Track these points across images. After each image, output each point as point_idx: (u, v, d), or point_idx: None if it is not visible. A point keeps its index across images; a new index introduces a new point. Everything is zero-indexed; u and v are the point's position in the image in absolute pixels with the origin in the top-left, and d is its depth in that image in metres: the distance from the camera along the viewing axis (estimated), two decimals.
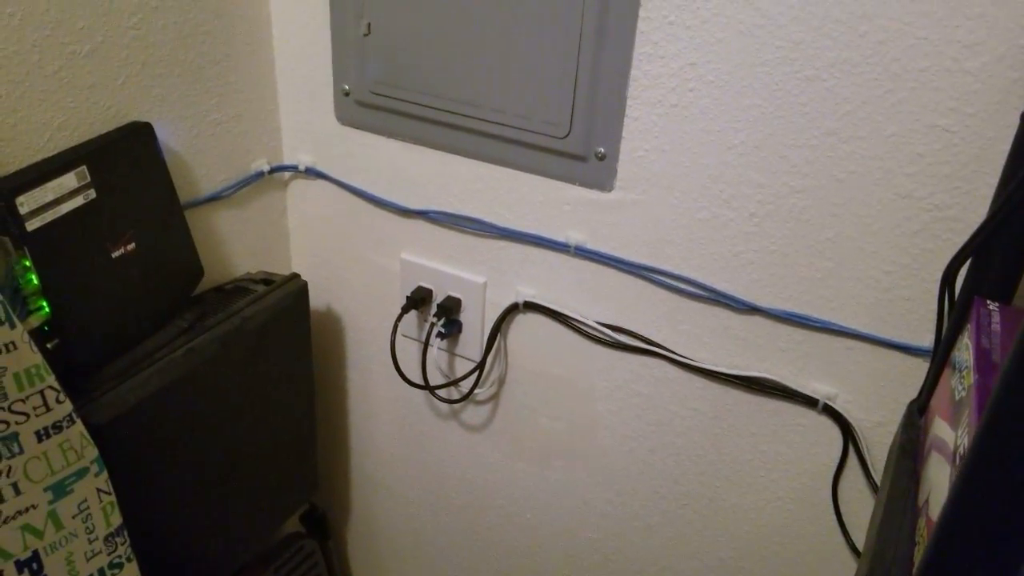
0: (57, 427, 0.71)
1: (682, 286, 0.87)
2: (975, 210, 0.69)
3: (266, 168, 1.05)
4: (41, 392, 0.70)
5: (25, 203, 0.74)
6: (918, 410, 0.67)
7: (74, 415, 0.73)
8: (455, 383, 1.09)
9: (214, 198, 0.99)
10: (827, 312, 0.80)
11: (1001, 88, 0.65)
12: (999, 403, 0.32)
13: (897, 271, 0.75)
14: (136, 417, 0.82)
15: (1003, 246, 0.57)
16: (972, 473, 0.33)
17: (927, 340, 0.76)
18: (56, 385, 0.71)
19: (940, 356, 0.64)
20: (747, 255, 0.82)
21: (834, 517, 0.89)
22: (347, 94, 0.98)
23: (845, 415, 0.83)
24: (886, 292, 0.77)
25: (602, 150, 0.85)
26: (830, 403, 0.84)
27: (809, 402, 0.85)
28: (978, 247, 0.58)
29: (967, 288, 0.61)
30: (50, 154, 0.79)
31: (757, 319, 0.85)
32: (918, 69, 0.67)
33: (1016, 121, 0.61)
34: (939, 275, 0.65)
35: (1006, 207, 0.54)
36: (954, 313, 0.63)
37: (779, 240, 0.80)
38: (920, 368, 0.78)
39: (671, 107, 0.79)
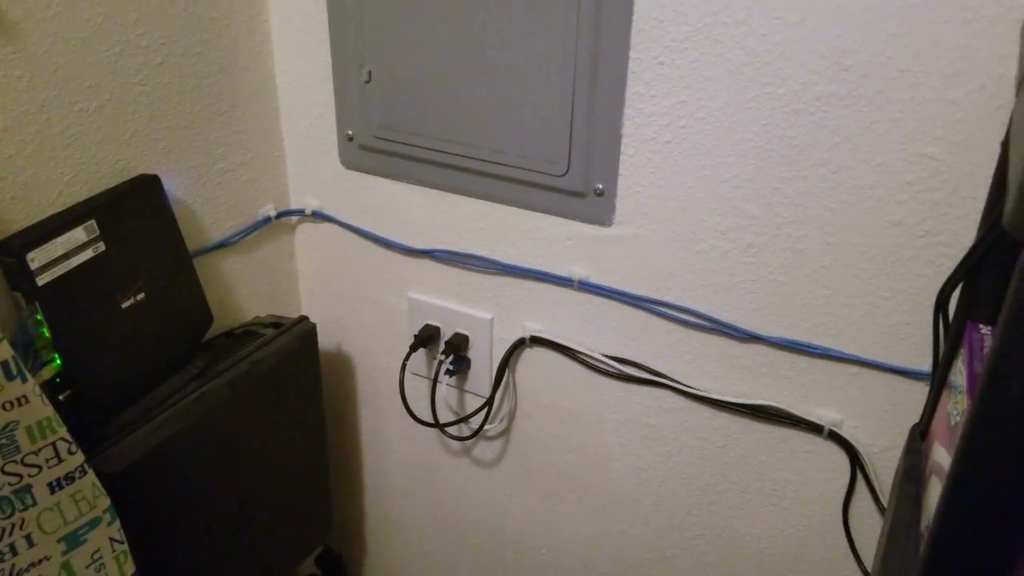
0: (69, 478, 0.73)
1: (685, 317, 0.88)
2: (966, 235, 0.70)
3: (273, 213, 1.07)
4: (53, 444, 0.71)
5: (36, 258, 0.76)
6: (920, 434, 0.67)
7: (86, 466, 0.74)
8: (465, 420, 1.09)
9: (222, 245, 1.01)
10: (828, 339, 0.81)
11: (984, 117, 0.66)
12: (972, 430, 0.33)
13: (894, 297, 0.76)
14: (148, 465, 0.84)
15: (991, 271, 0.58)
16: (950, 500, 0.34)
17: (928, 364, 0.76)
18: (68, 436, 0.72)
19: (938, 380, 0.64)
20: (746, 285, 0.83)
21: (846, 543, 0.89)
22: (351, 139, 1.01)
23: (851, 441, 0.83)
24: (884, 317, 0.77)
25: (600, 186, 0.87)
26: (836, 429, 0.84)
27: (815, 429, 0.85)
28: (967, 272, 0.59)
29: (960, 313, 0.62)
30: (60, 209, 0.81)
31: (760, 347, 0.85)
32: (902, 100, 0.68)
33: (999, 149, 0.62)
34: (934, 300, 0.66)
35: (991, 233, 0.55)
36: (949, 337, 0.64)
37: (776, 269, 0.80)
38: (923, 392, 0.78)
39: (665, 143, 0.81)
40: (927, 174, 0.70)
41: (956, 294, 0.64)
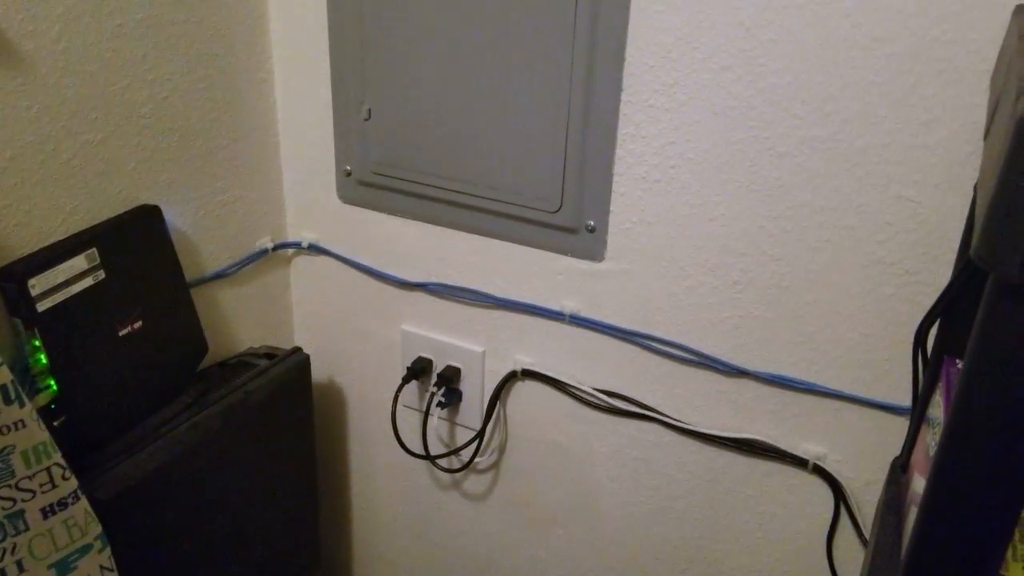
0: (62, 504, 0.73)
1: (673, 351, 0.90)
2: (943, 274, 0.72)
3: (270, 246, 1.09)
4: (48, 469, 0.72)
5: (37, 285, 0.77)
6: (901, 467, 0.69)
7: (79, 492, 0.74)
8: (456, 452, 1.10)
9: (219, 276, 1.03)
10: (812, 374, 0.83)
11: (957, 161, 0.69)
12: (942, 457, 0.34)
13: (875, 333, 0.78)
14: (140, 493, 0.84)
15: (967, 308, 0.60)
16: (923, 527, 0.36)
17: (908, 399, 0.78)
18: (62, 462, 0.73)
19: (917, 414, 0.66)
20: (732, 320, 0.85)
21: None
22: (349, 174, 1.03)
23: (835, 475, 0.85)
24: (866, 353, 0.79)
25: (592, 223, 0.89)
26: (820, 463, 0.85)
27: (799, 463, 0.87)
28: (944, 309, 0.61)
29: (938, 348, 0.64)
30: (62, 237, 0.82)
31: (746, 382, 0.87)
32: (881, 145, 0.71)
33: (971, 191, 0.65)
34: (913, 336, 0.68)
35: (965, 272, 0.57)
36: (928, 372, 0.66)
37: (762, 305, 0.83)
38: (904, 426, 0.80)
39: (654, 182, 0.83)
40: (905, 215, 0.73)
41: (934, 331, 0.66)
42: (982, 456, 0.35)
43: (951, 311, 0.62)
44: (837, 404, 0.83)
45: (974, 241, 0.31)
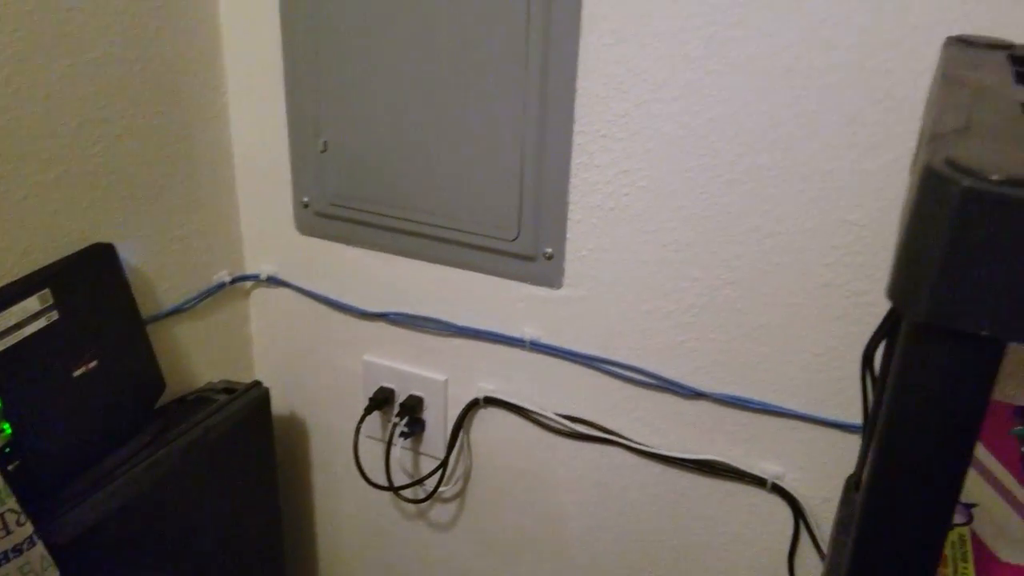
0: (17, 550, 0.72)
1: (633, 375, 0.91)
2: None
3: (227, 279, 1.09)
4: (2, 516, 0.70)
5: None
6: (855, 484, 0.71)
7: (35, 537, 0.73)
8: (420, 482, 1.10)
9: (177, 311, 1.02)
10: (768, 394, 0.85)
11: (900, 185, 0.71)
12: (874, 471, 0.36)
13: (826, 353, 0.80)
14: (98, 535, 0.83)
15: None
16: (858, 547, 0.37)
17: (861, 417, 0.80)
18: (17, 507, 0.71)
19: (868, 433, 0.68)
20: (689, 343, 0.87)
21: None
22: (307, 206, 1.03)
23: (793, 493, 0.87)
24: (818, 373, 0.81)
25: (549, 250, 0.90)
26: (778, 482, 0.87)
27: (759, 482, 0.88)
28: (889, 330, 0.63)
29: (885, 367, 0.66)
30: (14, 278, 0.81)
31: (704, 404, 0.89)
32: (824, 171, 0.74)
33: None
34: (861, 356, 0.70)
35: None
36: (876, 391, 0.67)
37: (717, 328, 0.84)
38: (858, 444, 0.82)
39: (609, 210, 0.85)
40: (851, 238, 0.75)
41: (881, 350, 0.68)
42: (904, 496, 0.37)
43: (896, 331, 0.64)
44: (793, 423, 0.85)
45: (888, 281, 0.33)
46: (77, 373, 0.85)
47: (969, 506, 0.60)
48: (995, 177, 0.30)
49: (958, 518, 0.59)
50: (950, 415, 0.34)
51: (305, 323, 1.11)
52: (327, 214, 1.02)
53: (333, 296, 1.07)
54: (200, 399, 1.03)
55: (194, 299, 1.04)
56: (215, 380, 1.09)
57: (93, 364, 0.87)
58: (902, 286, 0.33)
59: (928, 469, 0.36)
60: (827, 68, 0.71)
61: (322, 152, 0.98)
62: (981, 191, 0.30)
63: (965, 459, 0.36)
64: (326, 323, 1.09)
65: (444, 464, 1.06)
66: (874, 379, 0.69)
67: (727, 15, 0.73)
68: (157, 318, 0.99)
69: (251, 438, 1.03)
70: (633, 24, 0.77)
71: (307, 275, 1.08)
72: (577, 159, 0.84)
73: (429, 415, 1.06)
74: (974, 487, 0.61)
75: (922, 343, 0.33)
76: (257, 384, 1.05)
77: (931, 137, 0.35)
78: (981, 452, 0.64)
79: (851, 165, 0.73)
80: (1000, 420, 0.67)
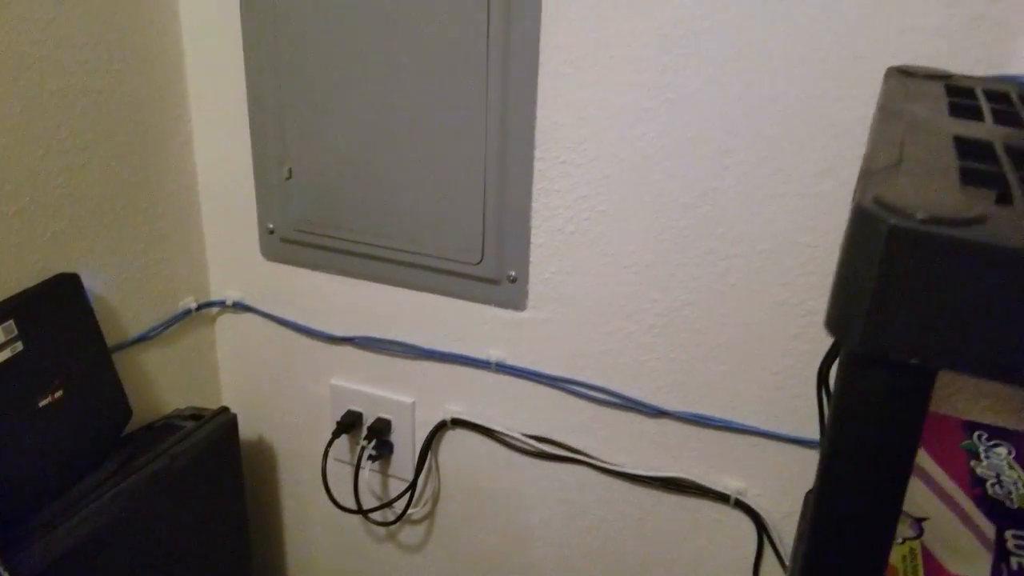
0: None
1: (597, 395, 0.93)
2: None
3: (193, 305, 1.08)
4: None
5: None
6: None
7: (1, 569, 0.72)
8: (389, 504, 1.10)
9: (143, 339, 1.02)
10: (728, 412, 0.87)
11: (848, 208, 0.74)
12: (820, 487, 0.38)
13: (783, 371, 0.82)
14: (64, 566, 0.82)
15: None
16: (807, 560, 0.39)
17: (818, 433, 0.82)
18: None
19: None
20: (651, 363, 0.88)
21: None
22: (272, 232, 1.04)
23: (756, 508, 0.89)
24: (777, 391, 0.83)
25: (513, 273, 0.92)
26: (741, 497, 0.89)
27: (722, 498, 0.90)
28: (839, 351, 0.66)
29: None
30: None
31: (667, 422, 0.90)
32: (778, 195, 0.76)
33: None
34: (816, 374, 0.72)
35: None
36: (831, 408, 0.70)
37: (678, 348, 0.86)
38: (817, 459, 0.84)
39: (570, 234, 0.87)
40: (804, 259, 0.77)
41: (835, 368, 0.70)
42: (847, 514, 0.39)
43: None
44: (753, 440, 0.87)
45: (826, 311, 0.35)
46: (43, 403, 0.85)
47: (920, 520, 0.62)
48: (920, 216, 0.32)
49: (909, 532, 0.61)
50: (887, 437, 0.36)
51: (272, 348, 1.11)
52: (292, 240, 1.02)
53: (300, 321, 1.07)
54: (167, 426, 1.03)
55: (160, 326, 1.04)
56: (182, 407, 1.09)
57: (59, 394, 0.86)
58: (838, 317, 0.34)
59: (868, 488, 0.37)
60: (777, 97, 0.74)
61: (287, 179, 0.99)
62: (907, 229, 0.32)
63: (903, 478, 0.38)
64: (293, 348, 1.09)
65: (413, 486, 1.07)
66: (829, 396, 0.71)
67: (680, 46, 0.76)
68: (123, 346, 0.99)
69: (219, 464, 1.03)
70: (590, 54, 0.79)
71: (273, 301, 1.08)
72: (538, 184, 0.86)
73: (397, 438, 1.07)
74: (924, 501, 0.64)
75: (858, 370, 0.35)
76: (225, 410, 1.05)
77: (863, 173, 0.37)
78: (931, 466, 0.67)
79: (802, 188, 0.75)
80: (949, 434, 0.70)
